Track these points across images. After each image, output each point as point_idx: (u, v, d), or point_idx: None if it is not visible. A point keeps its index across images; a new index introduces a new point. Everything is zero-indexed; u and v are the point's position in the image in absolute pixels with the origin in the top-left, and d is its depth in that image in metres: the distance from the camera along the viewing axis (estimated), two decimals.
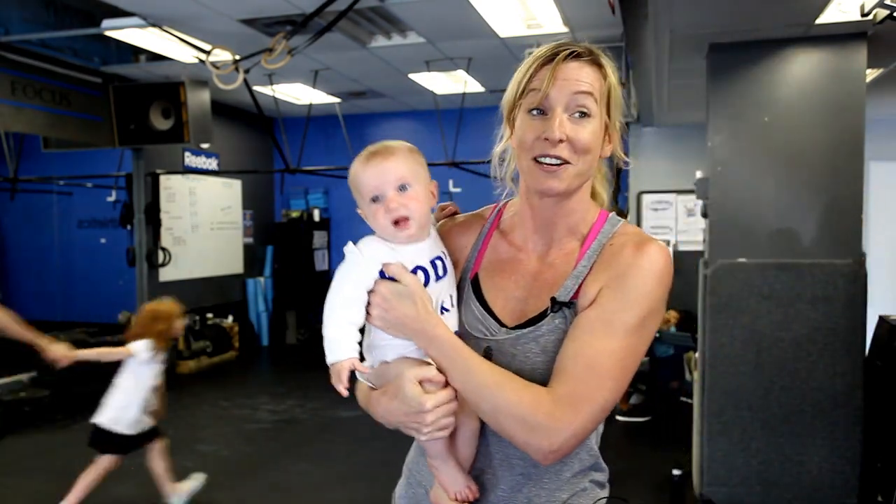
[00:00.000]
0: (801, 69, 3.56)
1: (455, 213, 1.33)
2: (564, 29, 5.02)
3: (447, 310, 1.14)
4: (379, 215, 1.12)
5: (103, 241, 8.30)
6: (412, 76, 6.72)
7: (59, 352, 3.47)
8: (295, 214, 9.02)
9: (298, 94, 7.44)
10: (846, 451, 3.47)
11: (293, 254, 8.88)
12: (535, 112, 1.09)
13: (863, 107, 3.48)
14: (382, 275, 1.11)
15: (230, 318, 8.20)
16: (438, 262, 1.15)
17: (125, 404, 3.57)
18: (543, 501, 1.13)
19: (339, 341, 1.14)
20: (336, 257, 9.18)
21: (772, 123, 3.57)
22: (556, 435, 1.01)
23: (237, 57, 4.23)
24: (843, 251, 3.48)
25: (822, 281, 3.46)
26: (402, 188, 1.11)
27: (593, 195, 1.21)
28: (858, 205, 3.51)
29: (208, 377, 7.20)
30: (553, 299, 1.10)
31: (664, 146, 6.96)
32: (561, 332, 1.08)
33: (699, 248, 6.01)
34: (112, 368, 3.70)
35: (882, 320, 3.71)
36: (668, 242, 6.90)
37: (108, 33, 5.28)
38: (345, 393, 1.11)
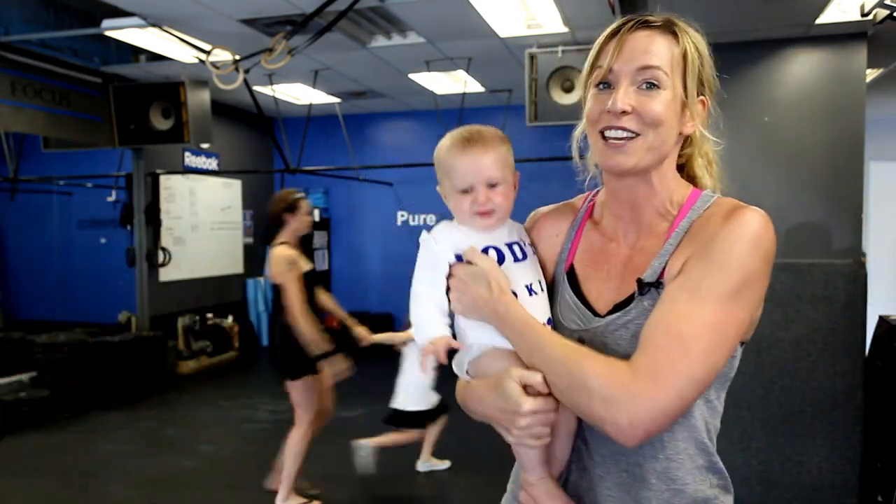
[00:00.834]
0: (801, 69, 3.56)
1: None
2: (564, 29, 5.02)
3: (535, 293, 1.11)
4: (465, 204, 1.12)
5: (103, 241, 8.29)
6: (412, 76, 6.71)
7: (362, 333, 4.17)
8: None
9: (298, 94, 7.44)
10: (846, 451, 3.47)
11: None
12: (601, 86, 1.04)
13: (863, 107, 3.49)
14: (459, 258, 1.12)
15: (230, 318, 8.20)
16: (516, 247, 1.14)
17: (414, 385, 4.02)
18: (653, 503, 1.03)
19: (429, 320, 1.12)
20: (336, 257, 9.18)
21: (772, 123, 3.58)
22: (633, 407, 0.91)
23: (237, 57, 4.23)
24: (843, 251, 3.48)
25: (822, 281, 3.46)
26: (493, 185, 1.12)
27: (693, 179, 1.13)
28: (858, 205, 3.51)
29: (208, 377, 7.19)
30: (639, 281, 1.03)
31: None
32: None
33: None
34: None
35: (882, 320, 3.71)
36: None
37: (108, 33, 5.28)
38: (445, 361, 1.11)
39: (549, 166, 5.43)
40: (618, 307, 1.05)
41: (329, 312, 4.32)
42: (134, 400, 6.09)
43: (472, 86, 6.90)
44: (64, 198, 8.31)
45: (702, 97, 1.06)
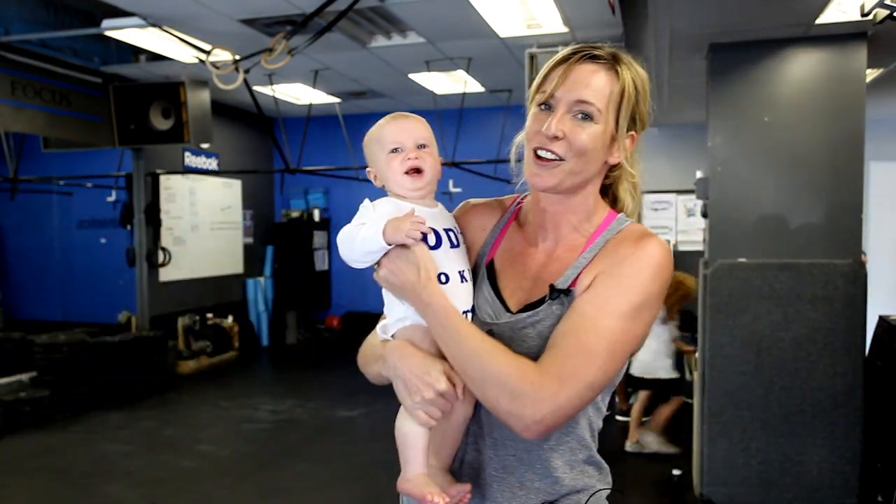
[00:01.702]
0: (801, 69, 3.56)
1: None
2: (564, 29, 5.02)
3: (465, 280, 1.18)
4: (395, 164, 1.17)
5: (103, 241, 8.29)
6: (412, 76, 6.71)
7: None
8: (295, 214, 9.02)
9: (298, 94, 7.44)
10: (846, 451, 3.47)
11: (293, 254, 8.88)
12: (542, 107, 1.13)
13: (863, 107, 3.48)
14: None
15: (230, 318, 8.20)
16: (451, 234, 1.19)
17: (652, 358, 4.51)
18: (536, 488, 1.14)
19: (369, 223, 1.13)
20: (336, 257, 9.18)
21: (772, 123, 3.57)
22: (539, 405, 1.01)
23: (237, 57, 4.23)
24: (843, 251, 3.48)
25: (822, 281, 3.46)
26: (421, 146, 1.18)
27: (616, 201, 1.23)
28: (858, 205, 3.51)
29: (208, 377, 7.19)
30: (551, 286, 1.12)
31: (664, 146, 6.95)
32: (557, 319, 1.10)
33: (699, 248, 6.02)
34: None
35: (882, 320, 3.71)
36: (668, 242, 6.90)
37: (108, 33, 5.28)
38: (433, 239, 1.14)
39: None
40: (528, 307, 1.14)
41: None
42: (134, 400, 6.08)
43: (472, 86, 6.90)
44: (64, 198, 8.31)
45: (632, 132, 1.15)
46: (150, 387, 6.37)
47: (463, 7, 4.63)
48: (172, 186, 7.66)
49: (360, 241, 1.13)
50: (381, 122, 1.22)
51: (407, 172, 1.17)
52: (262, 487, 4.13)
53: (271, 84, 6.78)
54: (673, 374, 4.59)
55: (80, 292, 8.38)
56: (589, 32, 5.12)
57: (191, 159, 7.94)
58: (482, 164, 6.94)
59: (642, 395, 4.73)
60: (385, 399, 4.52)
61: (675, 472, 4.03)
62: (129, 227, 7.28)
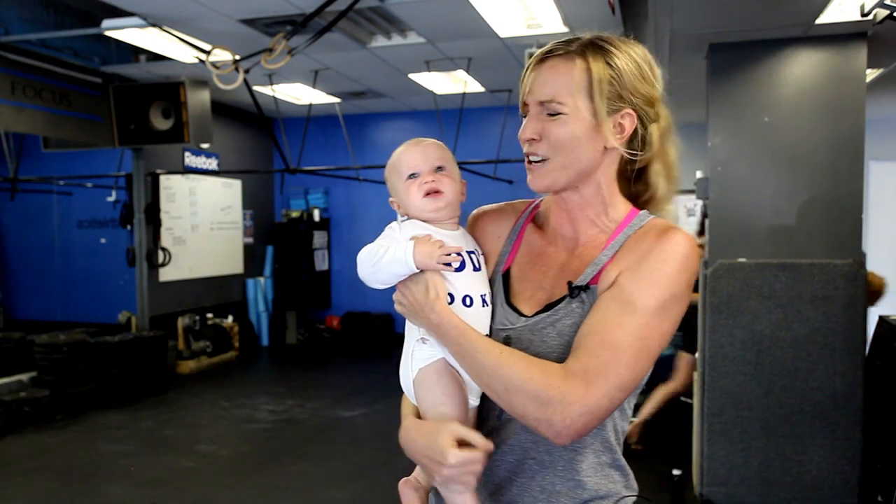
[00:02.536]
0: (801, 69, 3.56)
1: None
2: (564, 29, 5.02)
3: (487, 304, 1.16)
4: (413, 189, 1.17)
5: (103, 241, 8.29)
6: (412, 76, 6.71)
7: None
8: (295, 214, 9.02)
9: (298, 94, 7.44)
10: (846, 451, 3.47)
11: (293, 254, 8.88)
12: (523, 116, 1.14)
13: (863, 107, 3.48)
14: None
15: (230, 318, 8.20)
16: (473, 256, 1.18)
17: None
18: (558, 491, 1.11)
19: (396, 243, 1.13)
20: (336, 257, 9.18)
21: (772, 123, 3.58)
22: (568, 409, 0.97)
23: (237, 57, 4.23)
24: (843, 251, 3.48)
25: (822, 281, 3.46)
26: (439, 169, 1.18)
27: (648, 185, 1.17)
28: (858, 205, 3.51)
29: (208, 377, 7.19)
30: (570, 284, 1.10)
31: None
32: (578, 317, 1.07)
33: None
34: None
35: (882, 320, 3.71)
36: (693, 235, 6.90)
37: (108, 33, 5.27)
38: (458, 262, 1.12)
39: None
40: (547, 307, 1.11)
41: None
42: (134, 400, 6.08)
43: (472, 86, 6.90)
44: (64, 198, 8.31)
45: (626, 110, 1.09)
46: (150, 387, 6.37)
47: (463, 7, 4.63)
48: (172, 186, 7.66)
49: (387, 262, 1.10)
50: (397, 150, 1.22)
51: (426, 195, 1.16)
52: (262, 487, 4.13)
53: (271, 84, 6.78)
54: None
55: (80, 292, 8.38)
56: (589, 33, 5.11)
57: (191, 159, 7.94)
58: (482, 164, 6.94)
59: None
60: (385, 399, 4.54)
61: (675, 472, 4.02)
62: (129, 227, 7.28)
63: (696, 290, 5.59)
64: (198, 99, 6.05)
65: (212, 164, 8.27)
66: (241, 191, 8.88)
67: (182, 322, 7.48)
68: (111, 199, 8.00)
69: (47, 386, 5.66)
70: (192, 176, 7.93)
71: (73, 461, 4.65)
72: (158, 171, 7.34)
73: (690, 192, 4.65)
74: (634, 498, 1.15)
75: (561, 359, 1.04)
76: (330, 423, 5.54)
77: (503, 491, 1.14)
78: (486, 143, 7.69)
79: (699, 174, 3.84)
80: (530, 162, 1.12)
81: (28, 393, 5.51)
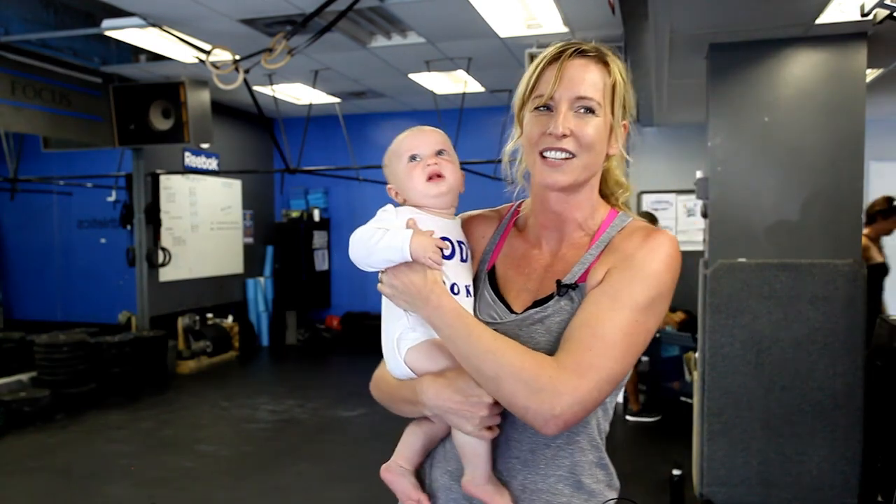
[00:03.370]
0: (801, 69, 3.56)
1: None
2: (564, 29, 5.02)
3: (471, 294, 1.18)
4: (415, 172, 1.17)
5: (103, 241, 8.29)
6: (412, 76, 6.71)
7: None
8: (295, 214, 9.02)
9: (298, 94, 7.43)
10: (846, 451, 3.47)
11: (293, 254, 8.88)
12: (542, 109, 1.12)
13: (863, 107, 3.48)
14: None
15: (230, 318, 8.20)
16: (463, 248, 1.20)
17: None
18: (539, 489, 1.12)
19: (393, 230, 1.11)
20: (336, 257, 9.18)
21: (772, 123, 3.57)
22: (558, 399, 0.99)
23: (237, 57, 4.23)
24: (843, 251, 3.48)
25: (822, 281, 3.46)
26: (440, 153, 1.19)
27: (619, 186, 1.24)
28: (858, 205, 3.51)
29: (208, 377, 7.19)
30: (558, 282, 1.12)
31: (664, 146, 6.95)
32: (567, 314, 1.09)
33: (699, 248, 6.02)
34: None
35: (882, 320, 3.71)
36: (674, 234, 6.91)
37: (108, 33, 5.28)
38: (449, 250, 1.13)
39: None
40: (536, 304, 1.14)
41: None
42: (134, 400, 6.08)
43: (472, 86, 6.90)
44: (64, 198, 8.31)
45: (624, 121, 1.16)
46: (150, 387, 6.37)
47: (463, 7, 4.63)
48: (172, 186, 7.66)
49: (382, 248, 1.10)
50: (398, 136, 1.23)
51: (429, 179, 1.16)
52: (262, 487, 4.13)
53: (271, 84, 6.78)
54: None
55: (80, 292, 8.38)
56: (589, 33, 5.12)
57: (191, 159, 7.94)
58: (482, 164, 6.94)
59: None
60: None
61: (675, 472, 4.03)
62: (129, 227, 7.28)
63: (673, 310, 5.75)
64: (198, 99, 6.05)
65: (212, 164, 8.27)
66: (241, 191, 8.88)
67: (182, 322, 7.48)
68: (111, 199, 8.00)
69: (47, 386, 5.66)
70: (192, 176, 7.93)
71: (73, 461, 4.65)
72: (158, 171, 7.34)
73: (690, 192, 4.64)
74: (624, 498, 1.17)
75: (548, 354, 1.05)
76: (330, 423, 5.54)
77: None
78: (486, 143, 7.68)
79: (699, 174, 3.85)
80: (546, 159, 1.11)
81: (28, 393, 5.51)
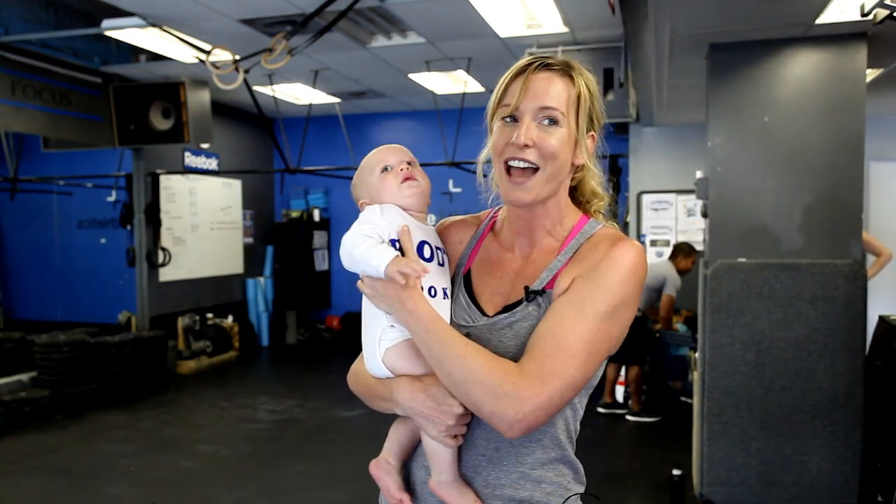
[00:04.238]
0: (801, 69, 3.56)
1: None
2: (564, 29, 5.02)
3: (447, 297, 1.22)
4: (388, 178, 1.23)
5: (103, 241, 8.30)
6: (412, 76, 6.72)
7: None
8: (295, 214, 9.02)
9: (298, 94, 7.44)
10: (846, 451, 3.47)
11: (293, 254, 8.88)
12: (508, 119, 1.16)
13: (863, 107, 3.48)
14: (394, 243, 1.17)
15: (230, 318, 8.20)
16: (440, 252, 1.25)
17: None
18: (502, 484, 1.16)
19: (379, 247, 1.13)
20: (336, 257, 9.18)
21: (772, 123, 3.57)
22: (521, 404, 1.04)
23: (237, 57, 4.24)
24: (843, 251, 3.48)
25: (822, 281, 3.46)
26: (410, 164, 1.25)
27: (594, 196, 1.27)
28: (858, 205, 3.51)
29: (208, 377, 7.20)
30: (526, 288, 1.16)
31: (664, 146, 6.95)
32: (534, 319, 1.14)
33: (699, 248, 6.02)
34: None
35: (882, 320, 3.71)
36: (667, 242, 6.91)
37: (108, 33, 5.28)
38: (428, 270, 1.12)
39: None
40: (505, 309, 1.18)
41: None
42: (134, 400, 6.09)
43: (472, 86, 6.90)
44: (64, 198, 8.31)
45: (591, 133, 1.20)
46: (150, 387, 6.37)
47: (463, 7, 4.63)
48: (172, 186, 7.66)
49: (362, 262, 1.13)
50: (367, 156, 1.29)
51: (404, 181, 1.22)
52: (262, 487, 4.14)
53: (271, 84, 6.78)
54: None
55: (80, 292, 8.39)
56: (589, 32, 5.12)
57: (191, 159, 7.94)
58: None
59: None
60: None
61: (675, 472, 4.03)
62: (129, 227, 7.28)
63: (676, 311, 5.87)
64: (198, 99, 6.06)
65: (212, 164, 8.27)
66: (241, 191, 8.88)
67: (182, 322, 7.48)
68: (111, 199, 8.01)
69: (47, 386, 5.67)
70: (192, 176, 7.93)
71: (73, 461, 4.65)
72: (158, 171, 7.34)
73: (690, 192, 4.64)
74: (581, 495, 1.21)
75: (516, 358, 1.10)
76: (330, 423, 5.54)
77: None
78: (486, 143, 7.70)
79: (699, 174, 3.85)
80: (511, 170, 1.15)
81: (28, 393, 5.51)
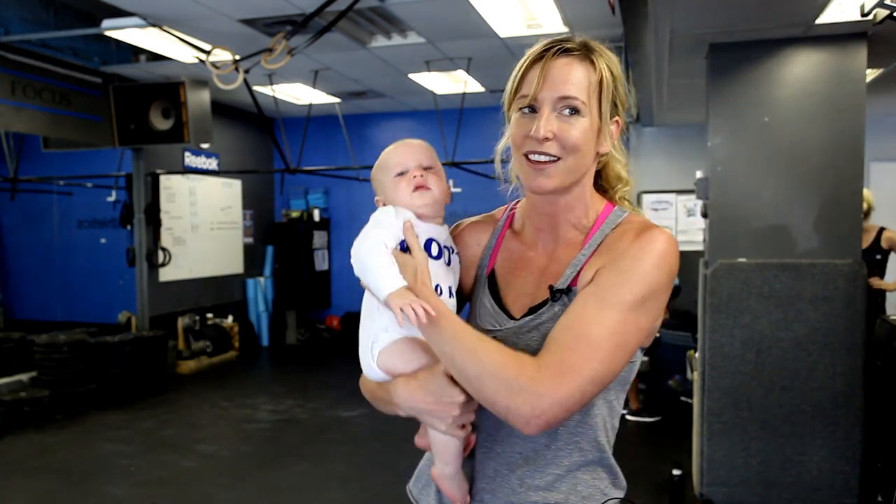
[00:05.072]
0: (801, 69, 3.56)
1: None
2: (564, 29, 5.02)
3: (453, 296, 1.18)
4: (402, 185, 1.18)
5: (103, 241, 8.29)
6: (412, 76, 6.71)
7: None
8: (295, 214, 9.02)
9: (298, 94, 7.43)
10: (846, 451, 3.47)
11: (293, 254, 8.88)
12: (525, 110, 1.10)
13: (863, 107, 3.48)
14: (402, 245, 1.15)
15: (230, 318, 8.20)
16: (450, 252, 1.21)
17: None
18: (536, 485, 1.12)
19: (392, 269, 1.10)
20: (336, 257, 9.18)
21: (772, 123, 3.58)
22: (538, 400, 0.98)
23: (237, 57, 4.23)
24: (843, 251, 3.48)
25: (822, 281, 3.46)
26: (427, 168, 1.20)
27: (619, 180, 1.21)
28: (858, 205, 3.51)
29: (208, 377, 7.19)
30: (551, 288, 1.11)
31: (664, 146, 6.95)
32: None
33: (699, 248, 6.02)
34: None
35: (882, 320, 3.71)
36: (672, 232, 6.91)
37: (108, 33, 5.28)
38: (433, 316, 1.04)
39: None
40: (532, 311, 1.13)
41: None
42: (134, 400, 6.08)
43: (472, 86, 6.90)
44: (64, 198, 8.31)
45: (616, 118, 1.13)
46: (150, 387, 6.37)
47: (463, 7, 4.63)
48: (172, 186, 7.66)
49: (372, 279, 1.10)
50: (386, 150, 1.24)
51: (414, 189, 1.18)
52: (262, 487, 4.13)
53: (271, 84, 6.78)
54: None
55: (80, 292, 8.38)
56: (589, 32, 5.05)
57: (191, 159, 7.94)
58: (482, 164, 6.94)
59: None
60: None
61: (675, 472, 4.03)
62: (129, 227, 7.28)
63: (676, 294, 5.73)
64: (198, 99, 6.05)
65: (212, 164, 8.27)
66: (241, 191, 8.88)
67: (182, 322, 7.48)
68: (111, 199, 8.00)
69: (47, 386, 5.66)
70: (192, 176, 7.93)
71: (73, 461, 4.65)
72: (158, 171, 7.34)
73: (690, 192, 4.64)
74: (620, 498, 1.15)
75: None
76: (330, 423, 5.54)
77: (485, 479, 1.17)
78: (486, 143, 7.64)
79: (699, 174, 3.85)
80: (531, 161, 1.09)
81: (28, 393, 5.51)
